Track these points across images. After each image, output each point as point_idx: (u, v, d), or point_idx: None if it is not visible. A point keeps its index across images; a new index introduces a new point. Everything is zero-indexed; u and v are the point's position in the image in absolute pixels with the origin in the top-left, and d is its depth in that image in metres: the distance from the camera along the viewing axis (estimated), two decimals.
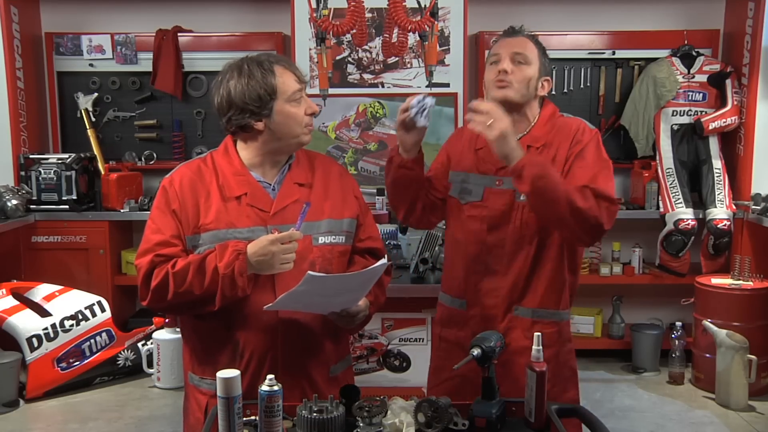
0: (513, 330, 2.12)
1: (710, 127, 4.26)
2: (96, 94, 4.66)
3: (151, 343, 4.03)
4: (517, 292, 2.14)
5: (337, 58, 4.15)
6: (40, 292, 4.05)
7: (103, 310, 4.04)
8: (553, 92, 4.57)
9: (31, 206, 4.35)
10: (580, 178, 2.03)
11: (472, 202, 2.18)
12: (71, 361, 3.89)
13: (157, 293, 1.79)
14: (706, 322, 3.85)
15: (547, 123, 2.16)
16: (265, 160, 1.90)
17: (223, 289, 1.74)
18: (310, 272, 1.67)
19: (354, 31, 3.92)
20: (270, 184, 1.89)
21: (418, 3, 3.91)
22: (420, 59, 4.13)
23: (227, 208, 1.83)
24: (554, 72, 4.56)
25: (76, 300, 4.01)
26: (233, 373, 1.53)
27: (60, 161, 4.40)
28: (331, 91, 4.06)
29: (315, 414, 1.57)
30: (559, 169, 2.06)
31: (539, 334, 1.72)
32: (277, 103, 1.83)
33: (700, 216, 4.23)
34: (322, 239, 1.88)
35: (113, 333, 4.05)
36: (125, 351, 4.08)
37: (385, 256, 1.88)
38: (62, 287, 4.08)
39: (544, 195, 1.96)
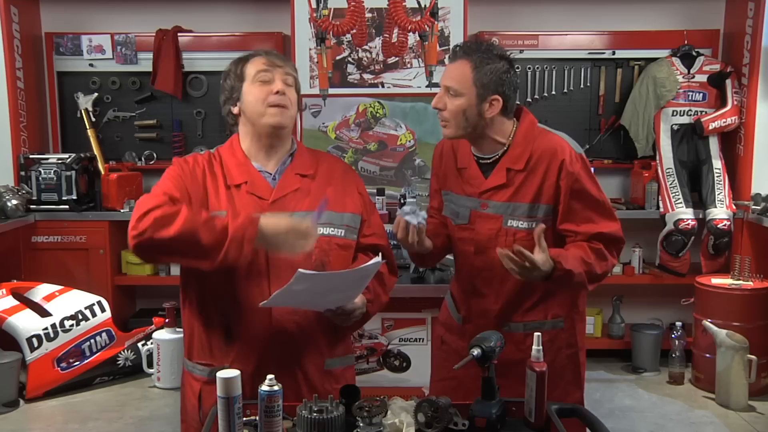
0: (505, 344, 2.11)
1: (710, 127, 4.26)
2: (96, 94, 4.66)
3: (151, 343, 4.02)
4: (507, 313, 2.14)
5: (337, 58, 4.15)
6: (40, 292, 4.05)
7: (103, 310, 4.03)
8: (554, 92, 4.58)
9: (31, 206, 4.35)
10: (586, 226, 2.04)
11: (461, 225, 2.16)
12: (71, 361, 3.88)
13: (159, 223, 1.70)
14: (706, 322, 3.85)
15: (525, 139, 2.08)
16: (260, 148, 1.95)
17: (229, 249, 1.71)
18: (300, 270, 1.67)
19: (354, 31, 3.93)
20: (271, 174, 1.94)
21: (418, 3, 3.91)
22: (420, 59, 4.13)
23: (229, 194, 1.89)
24: (554, 72, 4.57)
25: (76, 300, 4.01)
26: (233, 373, 1.54)
27: (60, 161, 4.40)
28: (331, 91, 4.06)
29: (315, 414, 1.57)
30: (547, 198, 2.05)
31: (539, 334, 1.72)
32: (245, 85, 1.92)
33: (700, 216, 4.23)
34: (321, 230, 1.88)
35: (113, 333, 4.05)
36: (125, 351, 4.08)
37: (380, 254, 1.89)
38: (62, 287, 4.08)
39: (570, 285, 2.03)
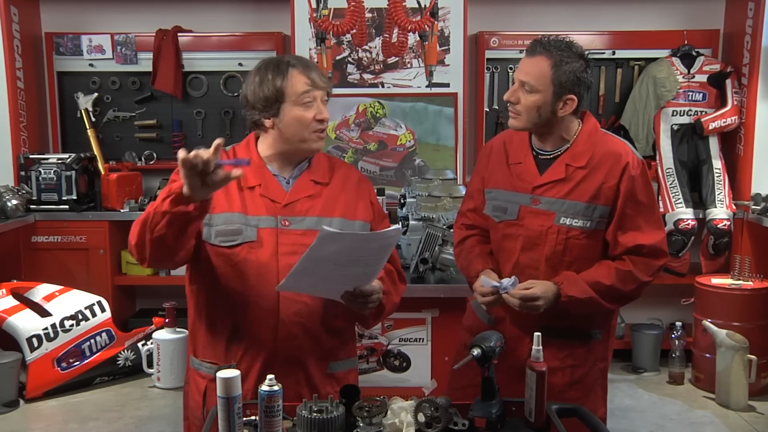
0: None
1: (710, 127, 4.26)
2: (96, 94, 4.66)
3: (151, 343, 4.02)
4: (549, 315, 2.05)
5: (337, 58, 4.15)
6: (40, 292, 4.05)
7: (103, 310, 4.03)
8: None
9: (31, 206, 4.35)
10: (631, 235, 2.04)
11: (508, 221, 2.13)
12: (71, 361, 3.88)
13: (132, 233, 1.79)
14: (706, 322, 3.85)
15: (588, 140, 2.08)
16: (280, 157, 1.95)
17: (164, 201, 1.66)
18: (324, 227, 1.66)
19: (354, 31, 3.93)
20: (285, 178, 1.94)
21: (418, 3, 3.91)
22: (420, 59, 4.13)
23: (242, 196, 1.89)
24: None
25: (76, 300, 4.01)
26: (233, 373, 1.54)
27: (60, 161, 4.40)
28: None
29: (315, 414, 1.57)
30: (606, 200, 2.03)
31: (539, 334, 1.72)
32: (286, 105, 1.88)
33: (700, 216, 4.23)
34: None
35: (113, 333, 4.05)
36: (125, 351, 4.08)
37: (400, 222, 1.88)
38: (62, 287, 4.07)
39: (583, 308, 2.04)
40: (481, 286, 2.07)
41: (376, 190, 2.15)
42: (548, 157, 2.11)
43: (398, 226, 1.82)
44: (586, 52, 2.06)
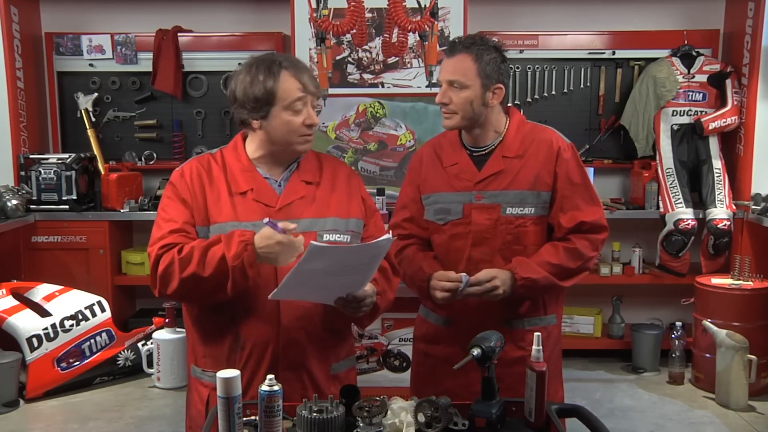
0: (505, 342, 2.09)
1: (710, 127, 4.26)
2: (96, 94, 4.66)
3: (151, 343, 4.03)
4: (509, 305, 2.13)
5: (337, 58, 4.15)
6: (40, 292, 4.05)
7: (103, 310, 4.03)
8: (553, 92, 4.58)
9: (31, 206, 4.35)
10: (572, 214, 2.12)
11: (454, 221, 2.17)
12: (71, 361, 3.88)
13: (163, 279, 1.78)
14: (706, 322, 3.85)
15: (518, 131, 2.17)
16: (269, 158, 1.93)
17: (235, 279, 1.72)
18: (313, 242, 1.65)
19: (354, 31, 3.93)
20: (276, 181, 1.93)
21: (418, 3, 3.91)
22: (420, 59, 4.13)
23: (234, 202, 1.86)
24: (554, 72, 4.57)
25: (76, 300, 4.01)
26: (233, 373, 1.53)
27: (60, 161, 4.40)
28: (331, 91, 4.06)
29: (315, 414, 1.57)
30: (545, 186, 2.11)
31: (539, 334, 1.72)
32: (275, 108, 1.85)
33: (700, 216, 4.23)
34: (326, 236, 1.89)
35: (113, 333, 4.05)
36: (125, 351, 4.08)
37: (390, 232, 1.88)
38: (62, 287, 4.08)
39: (541, 290, 2.11)
40: (448, 280, 2.09)
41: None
42: (483, 152, 2.18)
43: (389, 235, 1.79)
44: (500, 44, 2.16)
